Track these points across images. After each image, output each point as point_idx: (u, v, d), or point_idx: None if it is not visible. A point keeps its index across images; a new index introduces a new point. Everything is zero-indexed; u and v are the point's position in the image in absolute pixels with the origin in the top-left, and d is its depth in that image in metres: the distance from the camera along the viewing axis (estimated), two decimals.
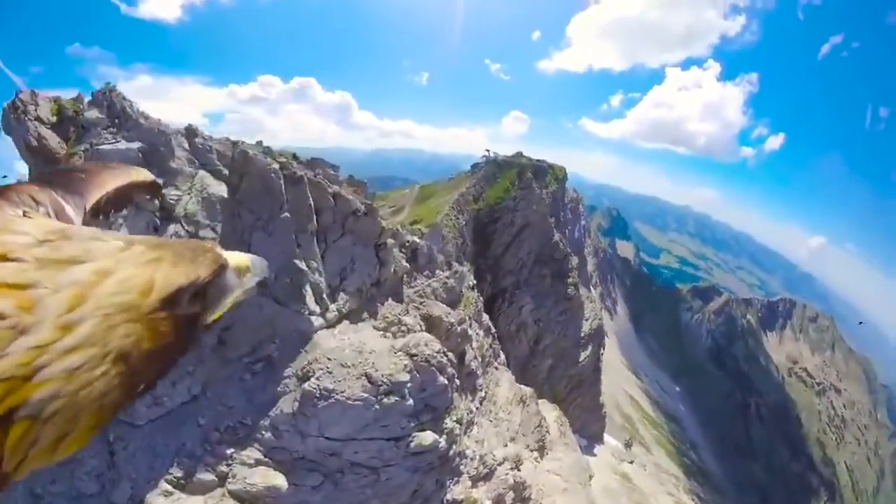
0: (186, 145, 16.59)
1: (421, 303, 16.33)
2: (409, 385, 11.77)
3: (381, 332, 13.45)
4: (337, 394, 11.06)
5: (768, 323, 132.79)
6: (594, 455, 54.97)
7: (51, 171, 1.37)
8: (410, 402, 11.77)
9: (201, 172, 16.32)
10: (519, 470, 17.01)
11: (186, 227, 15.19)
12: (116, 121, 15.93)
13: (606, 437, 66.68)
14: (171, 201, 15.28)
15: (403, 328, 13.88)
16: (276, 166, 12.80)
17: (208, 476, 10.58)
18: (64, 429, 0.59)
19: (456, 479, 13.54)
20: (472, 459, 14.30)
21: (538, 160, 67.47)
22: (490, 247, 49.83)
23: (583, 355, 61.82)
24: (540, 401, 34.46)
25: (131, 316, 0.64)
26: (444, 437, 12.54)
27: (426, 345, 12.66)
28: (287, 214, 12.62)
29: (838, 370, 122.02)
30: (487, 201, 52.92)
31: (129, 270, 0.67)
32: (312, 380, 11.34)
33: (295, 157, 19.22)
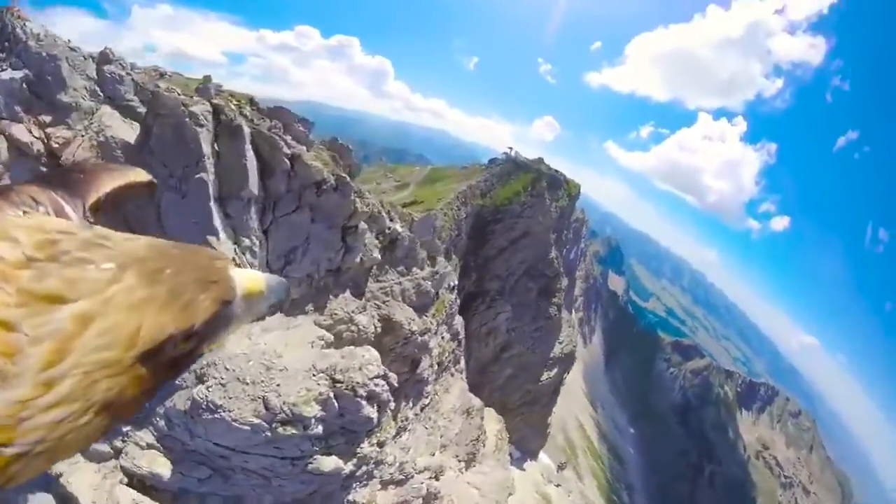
0: (94, 74, 13.78)
1: (384, 302, 15.02)
2: (317, 416, 10.46)
3: (316, 338, 11.79)
4: (224, 412, 9.94)
5: (746, 401, 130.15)
6: (523, 470, 54.78)
7: (50, 172, 1.35)
8: (318, 429, 10.55)
9: (104, 108, 13.37)
10: (438, 480, 16.24)
11: None
12: (6, 44, 13.33)
13: (542, 454, 66.56)
14: (56, 144, 12.52)
15: (353, 329, 12.60)
16: (200, 109, 10.51)
17: (104, 447, 10.25)
18: (50, 461, 0.60)
19: (365, 482, 12.65)
20: (390, 465, 13.40)
21: (556, 171, 66.07)
22: (484, 247, 48.74)
23: (546, 375, 61.33)
24: (487, 409, 33.88)
25: (113, 371, 0.61)
26: (354, 461, 11.42)
27: (361, 369, 11.06)
28: (205, 174, 10.45)
29: (811, 472, 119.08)
30: (494, 200, 51.64)
31: (112, 318, 0.61)
32: (203, 388, 10.26)
33: (253, 102, 14.90)
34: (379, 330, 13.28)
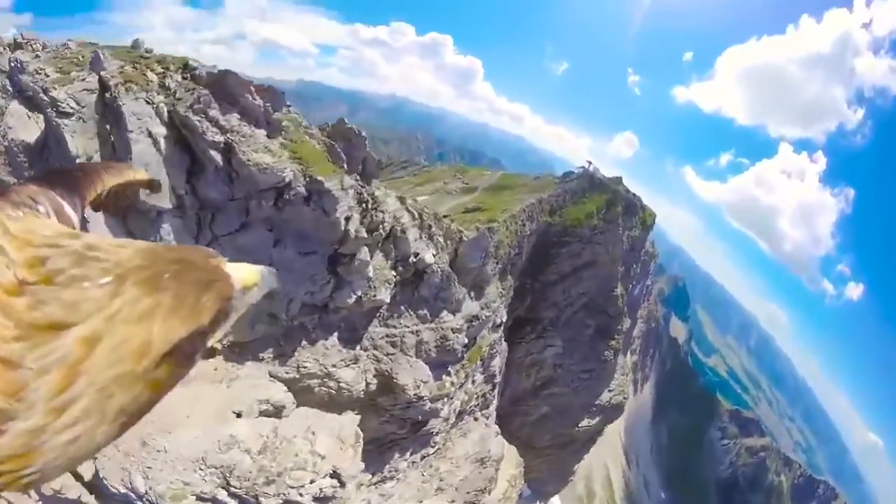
0: (5, 66, 10.75)
1: (388, 354, 11.03)
2: None
3: (247, 407, 8.24)
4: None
5: (800, 497, 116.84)
6: None
7: (50, 171, 1.34)
8: None
9: (13, 106, 10.39)
10: None
11: None
12: None
13: (555, 500, 59.95)
14: None
15: (329, 385, 8.81)
16: (70, 91, 6.69)
17: None
18: (68, 469, 0.61)
19: None
20: None
21: (634, 194, 59.05)
22: (545, 270, 43.71)
23: (585, 422, 54.77)
24: (508, 447, 29.11)
25: (128, 382, 0.60)
26: None
27: (281, 476, 7.40)
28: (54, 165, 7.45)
29: None
30: (564, 218, 46.39)
31: (120, 333, 0.60)
32: None
33: (188, 68, 10.58)
34: (372, 388, 9.49)
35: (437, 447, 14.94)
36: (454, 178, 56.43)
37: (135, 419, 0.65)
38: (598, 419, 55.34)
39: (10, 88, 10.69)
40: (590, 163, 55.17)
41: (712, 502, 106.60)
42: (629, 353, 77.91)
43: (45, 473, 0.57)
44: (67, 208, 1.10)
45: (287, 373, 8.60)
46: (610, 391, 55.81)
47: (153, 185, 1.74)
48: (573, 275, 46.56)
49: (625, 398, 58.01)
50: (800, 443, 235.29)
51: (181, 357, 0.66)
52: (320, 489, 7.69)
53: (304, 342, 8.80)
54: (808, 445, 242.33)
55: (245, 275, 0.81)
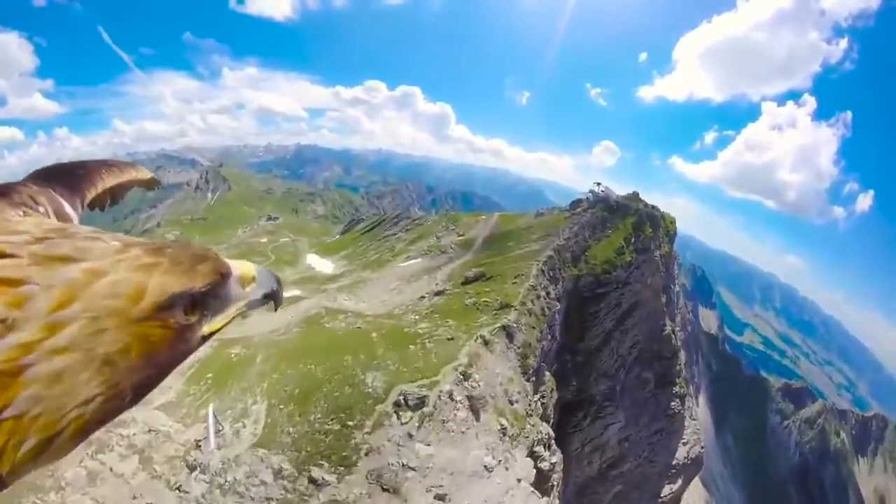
0: None
1: None
2: None
3: None
4: None
5: (861, 445, 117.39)
6: None
7: (49, 169, 1.35)
8: None
9: None
10: None
11: None
12: None
13: None
14: None
15: None
16: None
17: None
18: (49, 431, 0.59)
19: None
20: None
21: (653, 206, 51.13)
22: (585, 337, 35.18)
23: (667, 490, 45.31)
24: None
25: (120, 321, 0.63)
26: None
27: None
28: None
29: None
30: (592, 264, 38.14)
31: (122, 274, 0.65)
32: None
33: None
34: None
35: None
36: (447, 230, 48.36)
37: (121, 386, 0.64)
38: (680, 481, 46.00)
39: None
40: (599, 184, 47.39)
41: (792, 493, 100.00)
42: (689, 382, 69.22)
43: (26, 425, 0.56)
44: (67, 208, 1.11)
45: None
46: (684, 444, 46.73)
47: (153, 184, 1.73)
48: (618, 329, 38.07)
49: (702, 448, 48.86)
50: (842, 383, 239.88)
51: (173, 317, 0.68)
52: None
53: None
54: (849, 381, 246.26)
55: (241, 266, 0.85)
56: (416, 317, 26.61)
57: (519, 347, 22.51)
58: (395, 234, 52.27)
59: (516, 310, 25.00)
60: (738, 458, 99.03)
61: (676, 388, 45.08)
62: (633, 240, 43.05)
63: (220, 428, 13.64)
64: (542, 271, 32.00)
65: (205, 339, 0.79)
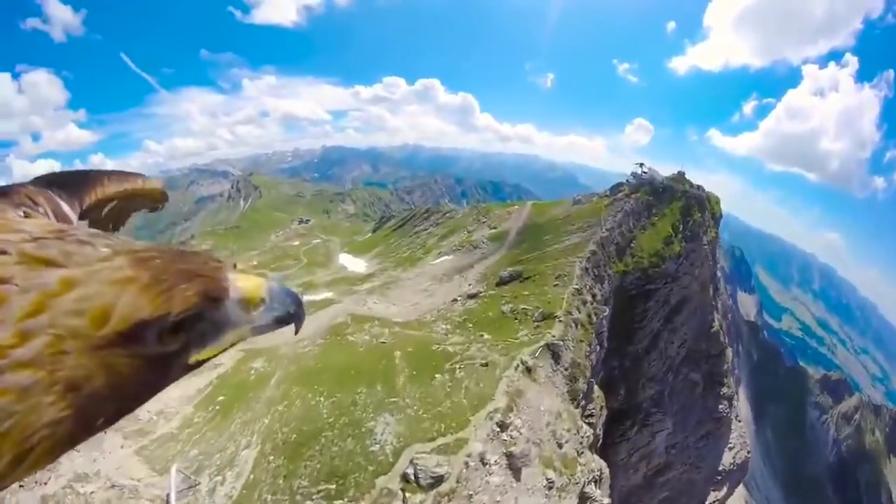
0: None
1: None
2: None
3: None
4: None
5: (893, 444, 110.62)
6: None
7: (50, 174, 1.34)
8: None
9: None
10: None
11: None
12: None
13: None
14: None
15: None
16: None
17: None
18: (18, 449, 0.57)
19: None
20: None
21: (699, 186, 46.72)
22: (633, 339, 32.15)
23: (712, 497, 42.58)
24: None
25: (81, 345, 0.60)
26: None
27: None
28: None
29: None
30: (639, 258, 34.75)
31: (93, 287, 0.62)
32: None
33: None
34: None
35: None
36: (479, 223, 45.45)
37: (89, 413, 0.61)
38: (725, 488, 43.17)
39: None
40: (641, 165, 43.20)
41: (829, 493, 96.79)
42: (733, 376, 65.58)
43: (1, 438, 0.55)
44: (66, 208, 1.12)
45: None
46: (730, 448, 43.67)
47: (159, 197, 1.63)
48: (666, 328, 34.88)
49: (748, 454, 45.64)
50: (876, 374, 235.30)
51: (142, 345, 0.63)
52: None
53: None
54: (884, 372, 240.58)
55: (246, 285, 0.74)
56: (448, 326, 24.10)
57: (566, 369, 19.62)
58: (427, 230, 49.95)
59: (561, 321, 22.02)
60: (777, 454, 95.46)
61: (724, 389, 41.77)
62: (680, 227, 39.22)
63: (196, 482, 11.48)
64: (587, 270, 28.97)
65: (191, 367, 0.72)
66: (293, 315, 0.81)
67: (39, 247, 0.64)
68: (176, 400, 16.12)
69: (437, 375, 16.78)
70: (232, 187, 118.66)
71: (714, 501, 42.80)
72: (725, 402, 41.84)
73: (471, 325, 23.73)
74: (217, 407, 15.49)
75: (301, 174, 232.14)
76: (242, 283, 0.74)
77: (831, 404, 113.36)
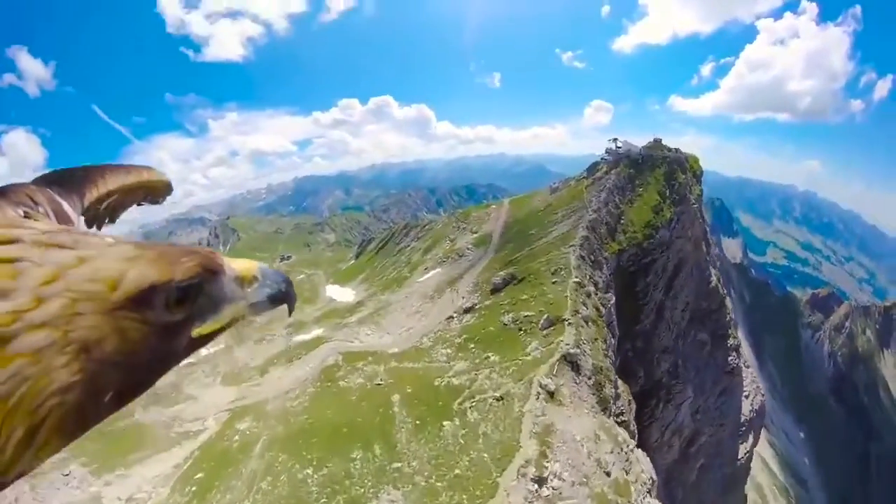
0: None
1: None
2: None
3: None
4: None
5: (885, 338, 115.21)
6: None
7: (52, 172, 1.33)
8: None
9: None
10: None
11: None
12: None
13: None
14: None
15: None
16: None
17: None
18: (30, 420, 0.59)
19: None
20: None
21: (676, 149, 46.57)
22: (640, 316, 31.66)
23: (742, 450, 43.22)
24: None
25: (97, 307, 0.64)
26: None
27: None
28: None
29: None
30: (632, 233, 34.18)
31: (105, 262, 0.68)
32: None
33: None
34: None
35: None
36: (459, 230, 44.22)
37: (99, 380, 0.64)
38: (751, 438, 43.84)
39: None
40: (615, 140, 42.60)
41: (832, 404, 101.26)
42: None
43: (10, 412, 0.57)
44: (66, 207, 1.10)
45: None
46: (747, 396, 44.34)
47: (164, 189, 1.58)
48: (668, 296, 34.67)
49: (763, 396, 46.48)
50: (862, 277, 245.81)
51: (151, 311, 0.68)
52: None
53: None
54: (869, 272, 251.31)
55: (242, 265, 0.82)
56: (448, 350, 22.66)
57: (590, 378, 18.22)
58: (409, 245, 48.55)
59: (570, 324, 20.64)
60: (780, 382, 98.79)
61: (730, 340, 42.13)
62: (667, 192, 38.90)
63: None
64: (582, 258, 28.17)
65: (195, 343, 0.76)
66: (285, 293, 0.86)
67: (52, 236, 0.69)
68: (149, 481, 14.68)
69: (445, 423, 14.86)
70: (210, 234, 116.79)
71: (744, 455, 43.39)
72: (734, 353, 42.23)
73: (473, 346, 22.37)
74: (194, 488, 14.16)
75: (277, 210, 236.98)
76: (236, 263, 0.81)
77: (822, 320, 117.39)
